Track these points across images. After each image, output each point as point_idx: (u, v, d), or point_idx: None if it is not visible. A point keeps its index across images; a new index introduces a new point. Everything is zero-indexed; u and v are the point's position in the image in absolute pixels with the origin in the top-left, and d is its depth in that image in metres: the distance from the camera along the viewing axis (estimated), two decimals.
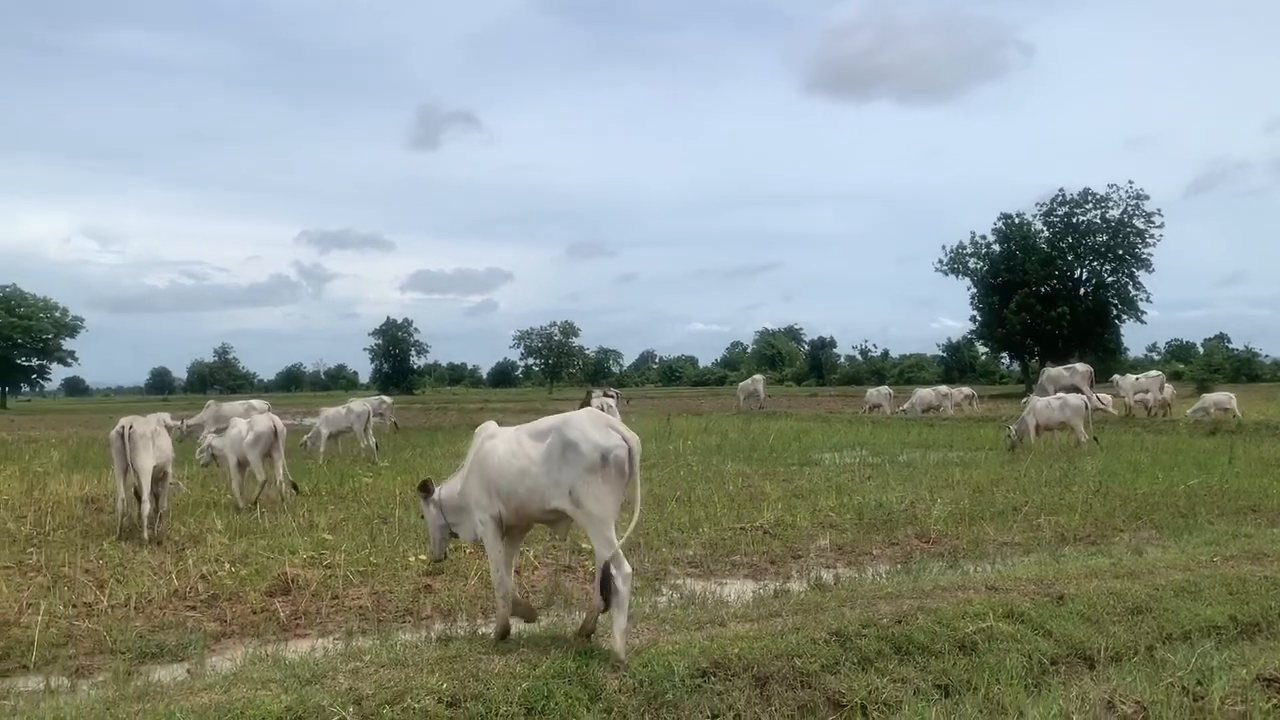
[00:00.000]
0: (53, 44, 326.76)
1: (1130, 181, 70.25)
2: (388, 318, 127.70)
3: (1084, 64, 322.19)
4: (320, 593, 8.75)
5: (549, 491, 6.16)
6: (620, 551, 5.94)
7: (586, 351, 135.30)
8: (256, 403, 26.97)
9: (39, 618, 7.75)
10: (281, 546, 10.72)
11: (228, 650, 7.25)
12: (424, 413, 53.58)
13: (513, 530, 6.73)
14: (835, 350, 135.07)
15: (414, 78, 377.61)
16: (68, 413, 67.69)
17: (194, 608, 8.41)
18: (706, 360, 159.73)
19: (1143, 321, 71.68)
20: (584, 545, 9.89)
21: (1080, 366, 34.03)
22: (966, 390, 43.00)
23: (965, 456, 20.29)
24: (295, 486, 15.15)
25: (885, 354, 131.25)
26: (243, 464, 14.90)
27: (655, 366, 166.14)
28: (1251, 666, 6.20)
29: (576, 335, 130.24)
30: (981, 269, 73.93)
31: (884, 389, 44.30)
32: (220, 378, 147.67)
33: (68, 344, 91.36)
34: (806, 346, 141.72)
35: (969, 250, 74.48)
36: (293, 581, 8.98)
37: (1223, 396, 30.60)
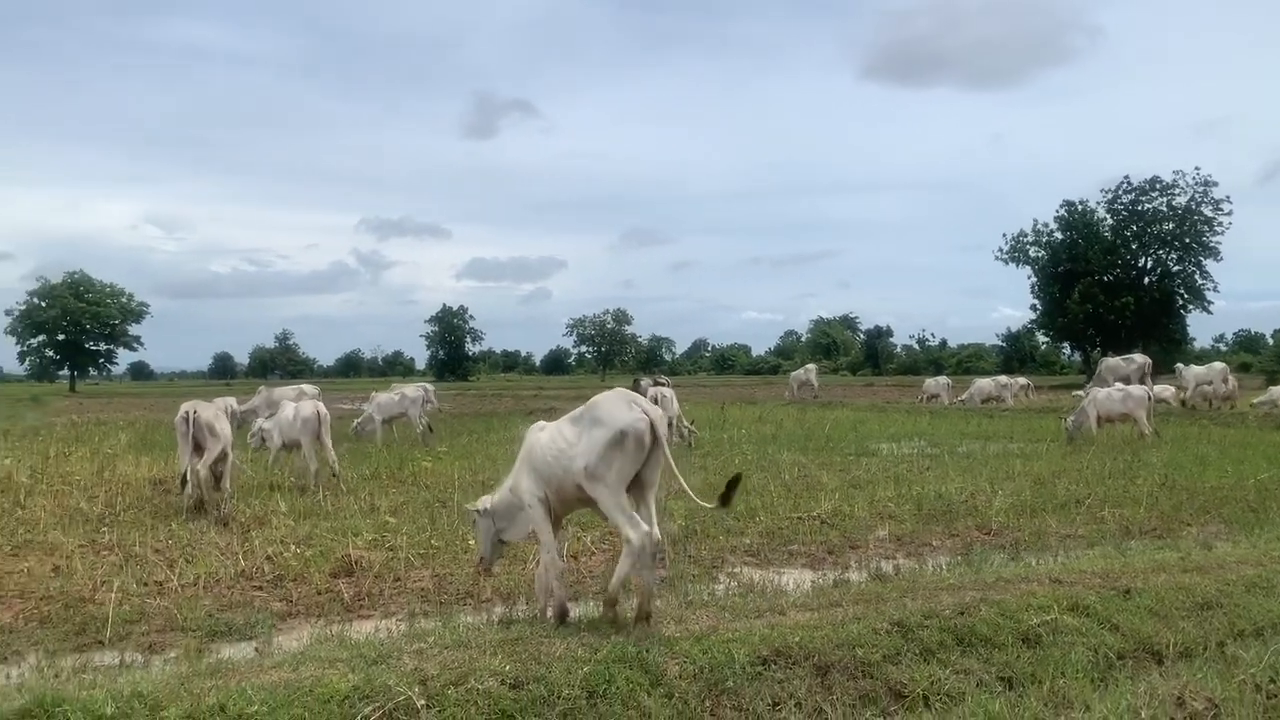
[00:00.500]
0: (119, 36, 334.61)
1: (1198, 168, 68.93)
2: (444, 305, 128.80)
3: (1153, 48, 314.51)
4: (383, 575, 8.89)
5: (577, 466, 6.43)
6: (637, 518, 6.26)
7: (639, 339, 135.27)
8: (307, 388, 27.36)
9: (112, 595, 7.99)
10: (345, 529, 10.90)
11: (294, 630, 7.39)
12: (479, 399, 54.06)
13: (557, 519, 7.01)
14: (892, 339, 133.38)
15: (472, 66, 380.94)
16: (134, 396, 69.24)
17: (260, 588, 8.60)
18: (760, 349, 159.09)
19: (1209, 312, 70.29)
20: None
21: (1138, 357, 33.36)
22: (1022, 380, 42.28)
23: (1026, 448, 19.98)
24: (334, 471, 15.24)
25: (943, 343, 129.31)
26: (289, 446, 15.60)
27: (708, 355, 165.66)
28: None
29: (629, 323, 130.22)
30: (1043, 258, 72.76)
31: (942, 379, 43.65)
32: (281, 363, 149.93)
33: (134, 329, 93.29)
34: (862, 335, 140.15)
35: (1030, 238, 73.41)
36: (356, 563, 9.14)
37: None
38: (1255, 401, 29.77)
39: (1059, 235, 72.39)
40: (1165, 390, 30.51)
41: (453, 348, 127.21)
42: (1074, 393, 33.68)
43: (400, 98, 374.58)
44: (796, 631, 6.22)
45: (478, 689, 5.23)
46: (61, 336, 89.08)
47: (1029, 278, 74.60)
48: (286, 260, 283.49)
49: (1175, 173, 68.85)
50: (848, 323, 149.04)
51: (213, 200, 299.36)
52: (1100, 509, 12.03)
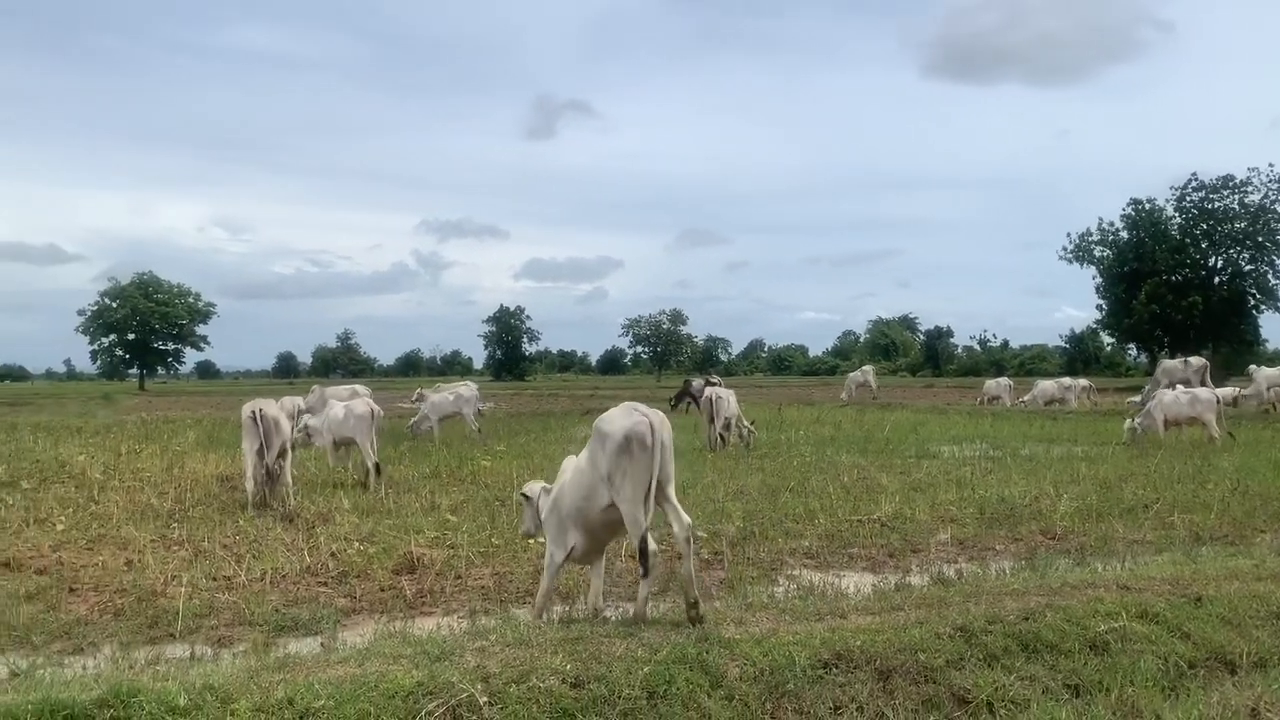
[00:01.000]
0: (186, 42, 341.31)
1: (1271, 164, 66.60)
2: (501, 305, 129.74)
3: (1225, 43, 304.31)
4: (444, 572, 9.01)
5: (600, 488, 6.56)
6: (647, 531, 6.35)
7: (695, 340, 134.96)
8: (360, 387, 27.78)
9: (183, 589, 8.20)
10: (407, 526, 11.05)
11: (358, 626, 7.52)
12: (535, 399, 54.39)
13: (599, 546, 7.27)
14: (952, 340, 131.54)
15: (530, 68, 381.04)
16: (201, 394, 70.79)
17: (325, 584, 8.76)
18: (817, 349, 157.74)
19: None
20: (698, 533, 9.89)
21: (1195, 360, 32.46)
22: (1084, 382, 41.45)
23: (1091, 451, 19.59)
24: (379, 469, 15.39)
25: (1005, 344, 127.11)
26: (338, 443, 16.27)
27: (764, 355, 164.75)
28: None
29: (685, 323, 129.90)
30: (1108, 257, 71.19)
31: (1004, 380, 43.01)
32: (342, 362, 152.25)
33: (200, 329, 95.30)
34: (922, 336, 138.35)
35: (1095, 238, 71.78)
36: (418, 561, 9.26)
37: None
38: None
39: (1125, 234, 70.73)
40: (1229, 392, 29.65)
41: (510, 347, 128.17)
42: (1129, 399, 32.94)
43: (460, 100, 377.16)
44: (858, 635, 6.16)
45: (539, 687, 5.26)
46: (131, 336, 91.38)
47: (1094, 278, 73.03)
48: (348, 261, 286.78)
49: (1249, 169, 66.96)
50: (907, 323, 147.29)
51: (277, 202, 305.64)
52: (1169, 514, 11.76)
